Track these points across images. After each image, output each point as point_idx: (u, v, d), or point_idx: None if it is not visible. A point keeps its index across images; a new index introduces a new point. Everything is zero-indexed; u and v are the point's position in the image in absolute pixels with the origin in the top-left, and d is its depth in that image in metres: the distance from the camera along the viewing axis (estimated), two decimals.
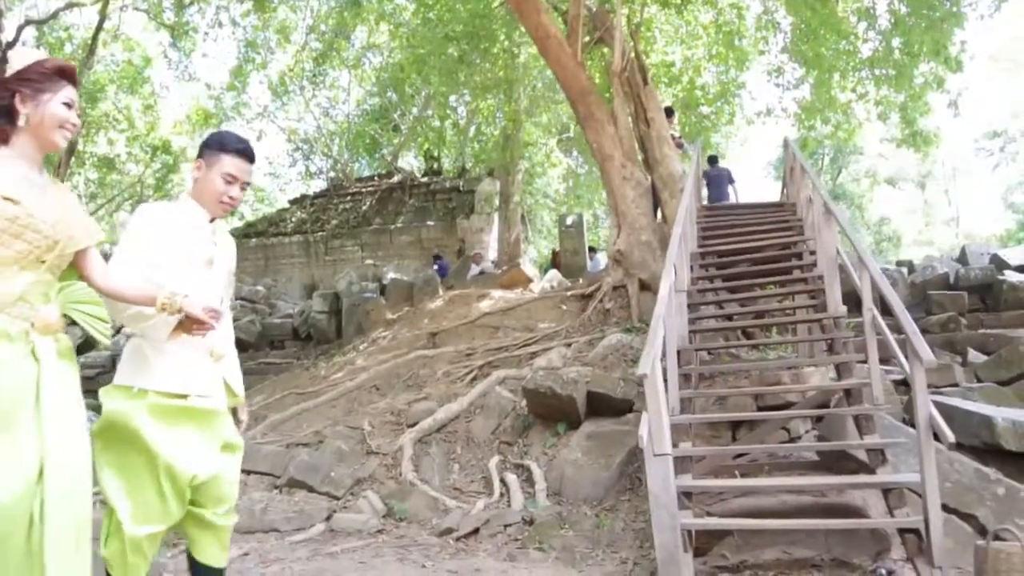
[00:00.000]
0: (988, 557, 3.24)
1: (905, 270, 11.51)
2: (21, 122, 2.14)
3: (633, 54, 9.49)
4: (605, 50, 10.66)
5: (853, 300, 11.75)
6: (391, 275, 13.73)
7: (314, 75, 20.58)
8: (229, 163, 2.54)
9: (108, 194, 24.69)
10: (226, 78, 19.92)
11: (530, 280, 11.38)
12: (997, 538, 3.84)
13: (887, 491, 3.87)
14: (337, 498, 6.14)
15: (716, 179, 10.89)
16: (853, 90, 12.27)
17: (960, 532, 4.34)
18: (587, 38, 10.06)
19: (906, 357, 3.90)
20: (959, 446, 5.55)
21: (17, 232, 2.08)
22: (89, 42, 17.14)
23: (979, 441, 5.31)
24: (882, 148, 24.10)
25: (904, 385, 7.90)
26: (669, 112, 10.34)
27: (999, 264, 10.71)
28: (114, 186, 24.23)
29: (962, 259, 11.62)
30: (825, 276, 5.83)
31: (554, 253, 15.44)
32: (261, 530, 5.58)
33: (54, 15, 17.06)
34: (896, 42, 11.33)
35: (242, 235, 19.93)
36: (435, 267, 14.69)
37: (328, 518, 5.79)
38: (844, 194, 27.16)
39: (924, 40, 10.28)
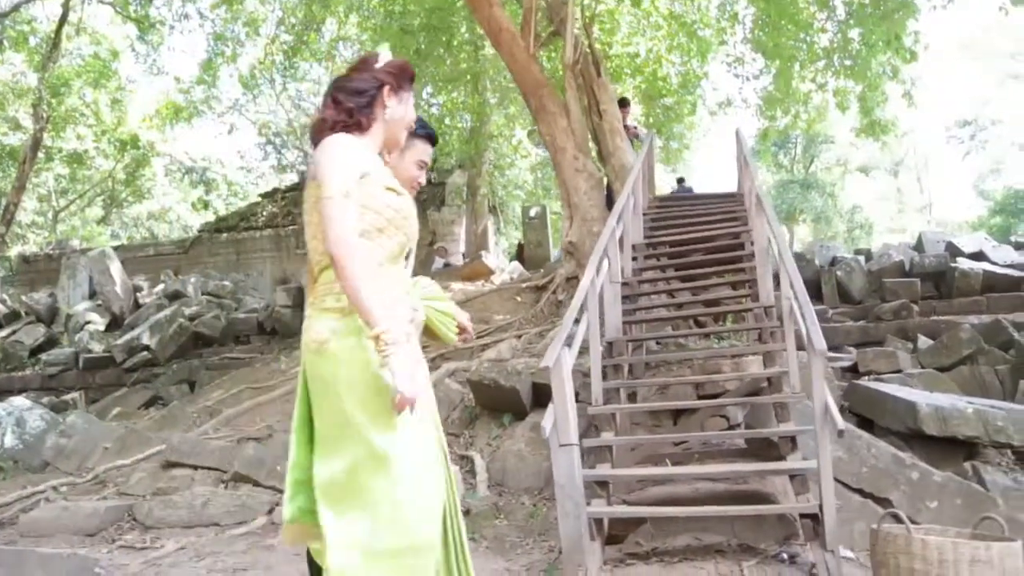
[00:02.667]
0: (878, 539, 3.34)
1: (863, 258, 11.59)
2: (386, 115, 2.11)
3: (587, 46, 9.53)
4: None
5: (813, 288, 11.92)
6: None
7: (285, 68, 20.46)
8: (423, 149, 2.45)
9: (79, 190, 24.51)
10: (195, 71, 19.83)
11: (492, 272, 11.43)
12: (897, 519, 3.97)
13: (793, 477, 3.97)
14: (282, 491, 6.14)
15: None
16: (813, 80, 12.37)
17: (874, 515, 4.44)
18: (551, 29, 10.10)
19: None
20: (888, 431, 5.69)
21: (400, 224, 2.04)
22: (53, 36, 17.02)
23: (904, 427, 5.42)
24: (853, 137, 24.29)
25: (850, 372, 8.05)
26: (624, 103, 10.41)
27: (953, 252, 10.81)
28: (85, 181, 24.04)
29: (919, 247, 11.72)
30: (757, 266, 5.90)
31: (520, 246, 15.51)
32: (201, 524, 5.63)
33: (16, 8, 16.87)
34: (853, 33, 11.44)
35: (213, 230, 19.87)
36: None
37: (271, 511, 5.83)
38: (816, 183, 27.37)
39: (877, 31, 10.38)
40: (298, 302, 12.33)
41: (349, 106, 2.07)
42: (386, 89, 2.12)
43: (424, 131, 2.48)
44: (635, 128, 10.57)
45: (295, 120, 21.78)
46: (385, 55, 2.20)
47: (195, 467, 6.53)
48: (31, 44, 17.74)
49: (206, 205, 24.54)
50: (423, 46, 11.96)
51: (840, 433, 3.24)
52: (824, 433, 3.41)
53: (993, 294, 9.82)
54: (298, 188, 20.50)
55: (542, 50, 10.81)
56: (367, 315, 1.79)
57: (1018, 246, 11.04)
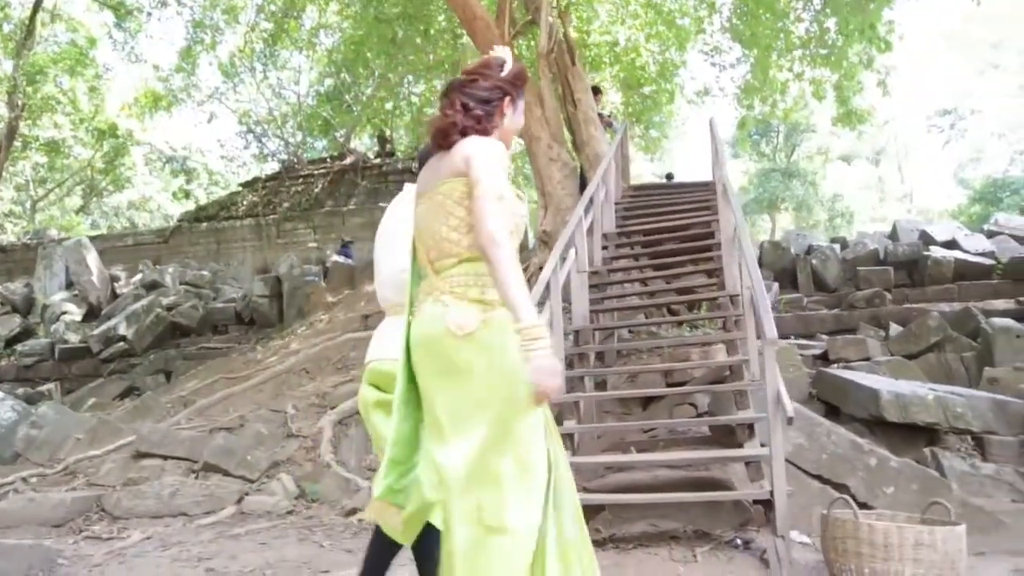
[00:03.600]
0: (828, 524, 3.39)
1: (838, 247, 11.67)
2: (504, 123, 2.22)
3: (562, 35, 9.50)
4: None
5: (789, 276, 11.94)
6: (334, 258, 13.71)
7: (266, 56, 20.31)
8: None
9: (57, 179, 24.24)
10: (174, 59, 19.61)
11: None
12: (847, 505, 4.04)
13: (748, 463, 4.02)
14: (252, 481, 6.18)
15: None
16: (790, 69, 12.40)
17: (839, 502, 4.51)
18: (527, 18, 10.06)
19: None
20: (853, 418, 5.77)
21: (522, 229, 2.20)
22: (27, 22, 16.78)
23: (867, 413, 5.50)
24: (839, 126, 24.41)
25: (821, 359, 8.12)
26: (596, 91, 10.40)
27: (927, 240, 10.91)
28: (63, 170, 23.77)
29: (893, 235, 11.82)
30: (724, 255, 5.94)
31: None
32: (169, 514, 5.63)
33: None
34: (830, 22, 11.47)
35: (193, 219, 19.74)
36: (340, 253, 14.53)
37: (239, 501, 5.84)
38: (798, 171, 27.45)
39: (853, 21, 10.41)
40: (276, 292, 12.30)
41: (479, 113, 2.16)
42: (507, 99, 2.22)
43: None
44: (609, 117, 10.57)
45: (276, 109, 21.57)
46: (508, 62, 2.27)
47: (165, 457, 6.52)
48: (5, 31, 17.47)
49: (187, 194, 24.34)
50: (400, 34, 11.88)
51: (790, 420, 3.28)
52: (776, 420, 3.44)
53: (964, 282, 9.93)
54: (278, 178, 20.40)
55: (520, 38, 10.77)
56: (517, 309, 1.90)
57: (990, 234, 11.15)
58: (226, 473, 6.21)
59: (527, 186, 20.33)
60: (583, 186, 9.42)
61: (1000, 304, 9.11)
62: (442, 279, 2.08)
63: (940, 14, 37.75)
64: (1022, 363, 6.62)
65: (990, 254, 10.26)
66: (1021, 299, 9.21)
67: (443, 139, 2.16)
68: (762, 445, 4.11)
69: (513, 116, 2.26)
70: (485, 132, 2.16)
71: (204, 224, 19.32)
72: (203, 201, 22.73)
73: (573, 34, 10.54)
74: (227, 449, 6.35)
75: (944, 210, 28.89)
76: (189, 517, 5.63)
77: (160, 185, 27.69)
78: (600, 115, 9.86)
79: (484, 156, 2.06)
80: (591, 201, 6.44)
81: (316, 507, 5.82)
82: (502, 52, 2.33)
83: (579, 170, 9.39)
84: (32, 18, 16.14)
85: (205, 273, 14.73)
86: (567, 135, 9.93)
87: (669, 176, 15.56)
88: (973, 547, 3.98)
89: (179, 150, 24.93)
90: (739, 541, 3.73)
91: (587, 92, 9.52)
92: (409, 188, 2.87)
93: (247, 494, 5.94)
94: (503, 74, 2.23)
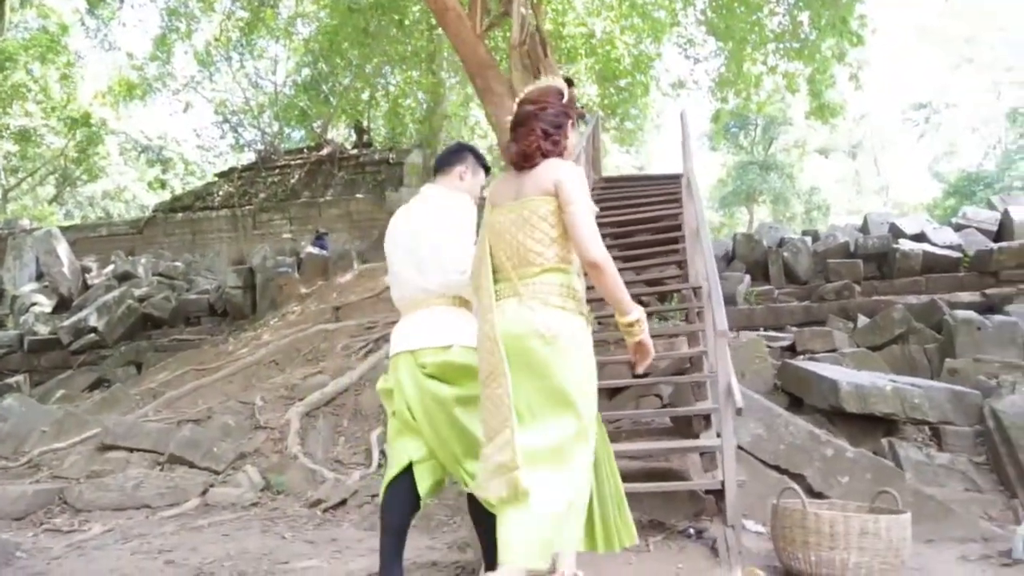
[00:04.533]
0: (777, 514, 3.44)
1: (809, 239, 11.78)
2: (567, 144, 2.51)
3: (534, 27, 9.50)
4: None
5: (761, 269, 12.00)
6: (308, 249, 13.65)
7: (242, 45, 20.12)
8: (482, 177, 3.03)
9: (29, 168, 23.89)
10: (149, 47, 19.39)
11: None
12: (817, 494, 4.09)
13: (703, 454, 4.06)
14: (217, 473, 6.16)
15: None
16: (764, 63, 12.47)
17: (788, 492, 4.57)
18: (501, 10, 10.04)
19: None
20: (815, 409, 5.84)
21: None
22: None
23: (827, 404, 5.57)
24: (812, 119, 24.55)
25: (788, 351, 8.21)
26: (568, 83, 10.39)
27: (896, 233, 11.03)
28: (36, 159, 23.44)
29: (864, 228, 11.94)
30: (688, 248, 5.98)
31: None
32: (132, 507, 5.59)
33: None
34: (803, 16, 11.55)
35: (168, 210, 19.55)
36: (315, 244, 14.45)
37: (204, 493, 5.82)
38: (775, 164, 27.63)
39: (824, 14, 10.49)
40: (249, 283, 12.23)
41: (556, 139, 2.48)
42: (570, 123, 2.54)
43: (484, 161, 3.04)
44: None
45: (252, 98, 21.37)
46: (565, 90, 2.56)
47: (131, 449, 6.47)
48: None
49: (163, 184, 24.09)
50: (374, 25, 11.81)
51: (739, 411, 3.32)
52: (727, 411, 3.48)
53: (932, 274, 10.06)
54: (254, 168, 20.21)
55: (495, 29, 10.75)
56: (624, 306, 2.33)
57: (958, 227, 11.28)
58: (192, 465, 6.18)
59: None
60: None
61: (966, 296, 9.26)
62: (524, 285, 2.35)
63: (915, 9, 38.08)
64: (982, 355, 6.73)
65: (958, 247, 10.39)
66: (986, 292, 9.38)
67: (526, 161, 2.45)
68: (718, 436, 4.14)
69: (572, 138, 2.57)
70: (560, 154, 2.47)
71: (179, 215, 19.13)
72: (179, 191, 22.48)
73: (547, 26, 10.54)
74: (193, 441, 6.31)
75: (920, 203, 29.14)
76: (152, 509, 5.59)
77: (135, 175, 27.39)
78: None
79: (574, 180, 2.36)
80: None
81: (281, 499, 5.80)
82: (558, 82, 2.61)
83: None
84: (1, 3, 15.88)
85: (178, 264, 14.61)
86: None
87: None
88: (923, 535, 4.06)
89: (154, 139, 24.67)
90: (692, 531, 3.77)
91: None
92: (426, 190, 2.91)
93: (212, 486, 5.91)
94: (564, 101, 2.52)
